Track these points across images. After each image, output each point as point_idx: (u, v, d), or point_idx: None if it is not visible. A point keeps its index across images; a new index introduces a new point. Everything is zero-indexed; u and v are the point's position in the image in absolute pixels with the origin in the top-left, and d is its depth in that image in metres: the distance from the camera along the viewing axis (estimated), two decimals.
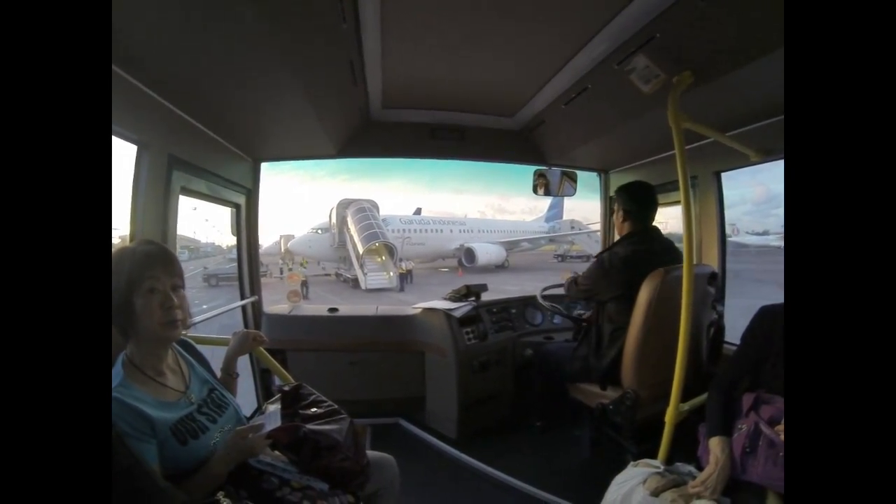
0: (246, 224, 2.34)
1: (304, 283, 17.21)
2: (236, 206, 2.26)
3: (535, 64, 1.70)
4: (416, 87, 2.00)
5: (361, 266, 19.70)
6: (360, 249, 20.02)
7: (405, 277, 19.97)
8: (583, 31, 1.42)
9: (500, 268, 24.72)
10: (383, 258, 20.41)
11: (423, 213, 29.28)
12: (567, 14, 1.34)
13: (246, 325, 2.33)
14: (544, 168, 2.62)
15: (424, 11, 1.36)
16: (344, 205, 22.33)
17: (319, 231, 22.75)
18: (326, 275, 23.29)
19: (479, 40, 1.53)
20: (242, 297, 2.34)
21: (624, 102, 1.69)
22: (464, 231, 26.80)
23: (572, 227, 29.67)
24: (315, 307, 2.60)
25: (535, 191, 2.63)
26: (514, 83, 1.92)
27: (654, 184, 1.94)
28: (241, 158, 2.18)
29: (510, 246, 26.94)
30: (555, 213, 32.52)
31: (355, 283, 19.92)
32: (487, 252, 24.63)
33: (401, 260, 21.05)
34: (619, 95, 1.63)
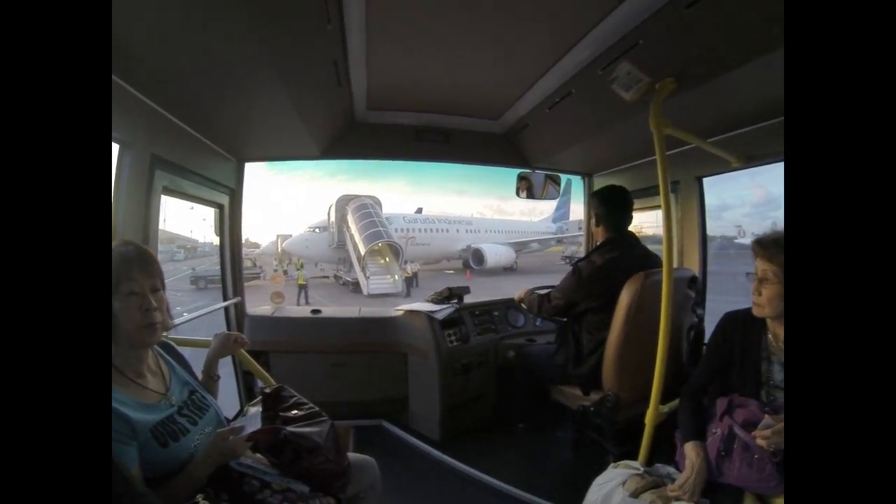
0: (229, 224, 2.34)
1: (304, 288, 16.00)
2: (220, 207, 2.26)
3: (520, 67, 1.71)
4: (401, 89, 2.00)
5: (363, 268, 17.90)
6: (362, 250, 18.15)
7: (411, 281, 18.18)
8: (567, 36, 1.43)
9: (508, 270, 23.33)
10: (387, 260, 18.67)
11: (424, 214, 28.02)
12: (552, 18, 1.35)
13: (228, 327, 2.33)
14: (527, 171, 2.62)
15: (410, 13, 1.37)
16: (344, 201, 20.31)
17: (317, 230, 20.83)
18: (325, 277, 21.70)
19: (465, 43, 1.54)
20: (225, 299, 2.34)
21: (607, 107, 1.70)
22: (470, 231, 25.28)
23: (580, 229, 28.60)
24: (298, 308, 2.59)
25: (517, 193, 2.62)
26: (498, 86, 1.93)
27: (638, 188, 1.94)
28: (225, 158, 2.19)
29: (519, 247, 25.81)
30: (562, 213, 31.88)
31: (356, 286, 18.21)
32: (497, 253, 23.07)
33: (406, 262, 19.13)
34: (603, 100, 1.64)
